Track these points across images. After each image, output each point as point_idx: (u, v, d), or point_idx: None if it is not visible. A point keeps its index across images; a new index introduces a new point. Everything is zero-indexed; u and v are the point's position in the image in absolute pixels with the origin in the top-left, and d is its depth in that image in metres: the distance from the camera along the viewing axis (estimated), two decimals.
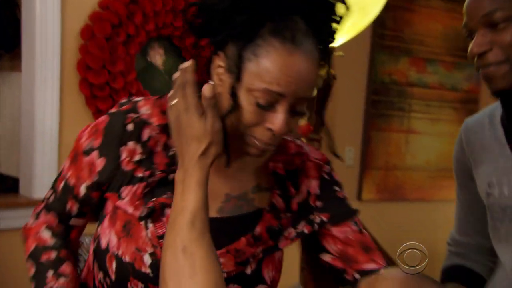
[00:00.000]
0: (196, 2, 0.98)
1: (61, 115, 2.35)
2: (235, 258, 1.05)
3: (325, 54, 0.99)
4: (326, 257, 1.12)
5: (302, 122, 1.06)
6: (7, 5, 2.63)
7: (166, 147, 1.05)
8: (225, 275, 1.03)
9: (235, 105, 0.95)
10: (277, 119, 0.95)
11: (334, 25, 0.99)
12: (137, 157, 1.04)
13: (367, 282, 0.92)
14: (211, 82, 0.98)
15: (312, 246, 1.15)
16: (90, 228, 1.19)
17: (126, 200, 1.04)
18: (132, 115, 1.04)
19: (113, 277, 1.05)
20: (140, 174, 1.04)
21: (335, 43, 1.38)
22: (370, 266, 1.09)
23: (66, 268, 1.11)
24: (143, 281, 1.02)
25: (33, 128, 2.32)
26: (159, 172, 1.04)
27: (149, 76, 2.54)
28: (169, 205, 1.00)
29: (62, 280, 1.09)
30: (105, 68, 2.33)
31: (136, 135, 1.03)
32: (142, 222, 1.02)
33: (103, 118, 1.07)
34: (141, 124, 1.04)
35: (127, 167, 1.04)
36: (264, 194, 1.11)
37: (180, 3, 2.48)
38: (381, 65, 3.44)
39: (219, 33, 0.95)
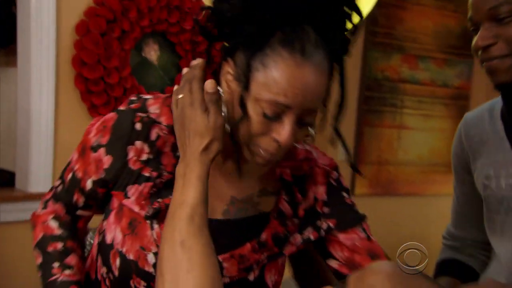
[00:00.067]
0: (208, 6, 0.96)
1: (56, 110, 2.34)
2: (238, 264, 1.03)
3: (338, 65, 0.95)
4: (333, 263, 1.09)
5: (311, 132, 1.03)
6: (3, 1, 2.62)
7: (175, 147, 1.03)
8: (227, 279, 1.02)
9: (245, 115, 0.92)
10: (284, 130, 0.92)
11: (347, 35, 0.95)
12: (144, 157, 1.02)
13: (356, 277, 0.90)
14: (220, 89, 0.96)
15: (318, 252, 1.13)
16: (94, 221, 1.18)
17: (132, 199, 1.02)
18: (141, 114, 1.02)
19: (116, 273, 1.03)
20: (147, 174, 1.02)
21: None
22: None
23: (71, 259, 1.10)
24: (146, 280, 1.01)
25: (29, 123, 2.31)
26: (167, 173, 1.02)
27: (144, 71, 2.52)
28: None
29: (67, 271, 1.09)
30: (100, 64, 2.32)
31: (144, 135, 1.01)
32: (148, 221, 1.01)
33: (112, 115, 1.04)
34: (150, 123, 1.02)
35: (134, 166, 1.02)
36: (269, 198, 1.08)
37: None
38: (373, 62, 3.43)
39: (229, 40, 0.93)
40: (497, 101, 1.34)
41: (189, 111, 0.95)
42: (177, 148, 1.01)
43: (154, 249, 1.00)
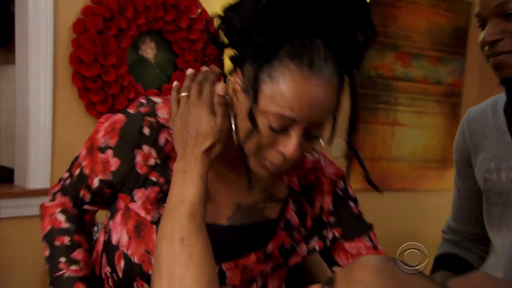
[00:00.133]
0: (218, 14, 0.93)
1: (54, 107, 2.33)
2: (242, 274, 1.01)
3: (349, 78, 0.91)
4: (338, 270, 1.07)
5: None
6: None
7: None
8: None
9: (255, 128, 0.89)
10: (290, 143, 0.89)
11: (358, 48, 0.91)
12: (151, 162, 1.00)
13: (344, 272, 0.89)
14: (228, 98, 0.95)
15: (324, 258, 1.12)
16: (100, 215, 1.16)
17: (138, 203, 1.00)
18: (150, 118, 1.00)
19: (120, 274, 1.02)
20: (154, 178, 0.99)
21: None
22: None
23: (78, 254, 1.09)
24: (149, 283, 0.98)
25: (27, 120, 2.30)
26: None
27: (141, 69, 2.51)
28: None
29: (73, 267, 1.07)
30: (97, 61, 2.31)
31: (152, 139, 0.99)
32: (155, 226, 0.99)
33: (121, 117, 1.01)
34: (158, 128, 0.99)
35: (141, 170, 1.00)
36: (275, 205, 1.06)
37: None
38: (367, 60, 3.42)
39: (238, 49, 0.90)
40: (501, 97, 1.34)
41: (196, 111, 0.94)
42: None
43: None
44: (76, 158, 1.09)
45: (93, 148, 1.03)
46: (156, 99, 1.03)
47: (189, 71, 1.00)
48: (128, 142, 1.00)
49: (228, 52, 0.94)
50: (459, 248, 1.45)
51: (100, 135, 1.02)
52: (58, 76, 2.33)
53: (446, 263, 1.43)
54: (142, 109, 1.01)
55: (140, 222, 1.00)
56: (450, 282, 1.17)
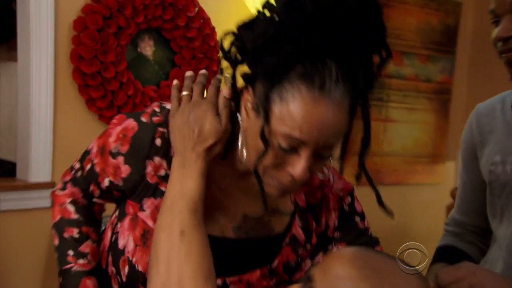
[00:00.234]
0: (232, 31, 0.91)
1: (55, 103, 2.31)
2: None
3: (362, 100, 0.87)
4: None
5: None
6: None
7: None
8: None
9: (267, 149, 0.86)
10: (298, 164, 0.86)
11: (372, 70, 0.87)
12: (162, 172, 0.98)
13: (320, 269, 0.87)
14: (239, 116, 0.93)
15: None
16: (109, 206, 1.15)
17: (147, 212, 0.98)
18: (162, 129, 0.97)
19: (124, 278, 1.00)
20: (163, 188, 0.97)
21: None
22: None
23: (86, 247, 1.07)
24: None
25: (29, 115, 2.28)
26: None
27: (140, 66, 2.49)
28: None
29: (81, 261, 1.06)
30: (97, 58, 2.29)
31: (163, 151, 0.97)
32: None
33: (133, 125, 0.99)
34: (168, 140, 0.97)
35: (151, 180, 0.98)
36: (281, 218, 1.04)
37: None
38: None
39: (251, 67, 0.88)
40: (509, 93, 1.34)
41: (200, 110, 0.93)
42: None
43: None
44: (88, 152, 1.07)
45: (104, 151, 1.01)
46: (169, 107, 1.01)
47: (189, 72, 0.98)
48: (139, 152, 0.97)
49: (241, 69, 0.91)
50: (461, 240, 1.44)
51: (112, 139, 1.00)
52: (59, 73, 2.31)
53: (446, 255, 1.42)
54: (155, 119, 0.98)
55: (147, 231, 0.98)
56: (440, 272, 1.17)
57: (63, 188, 1.11)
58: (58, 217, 1.10)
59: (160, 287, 0.84)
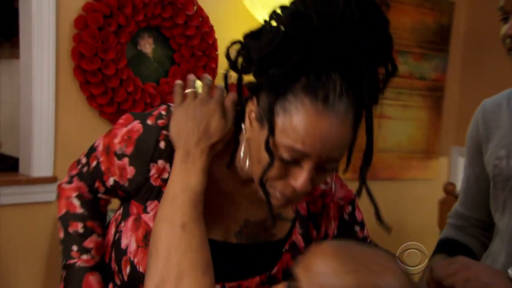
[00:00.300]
0: (239, 40, 0.89)
1: (56, 99, 2.30)
2: None
3: (366, 112, 0.85)
4: None
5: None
6: None
7: None
8: None
9: (273, 162, 0.84)
10: (300, 177, 0.84)
11: (378, 84, 0.86)
12: (165, 175, 0.97)
13: (302, 267, 0.85)
14: (243, 125, 0.92)
15: None
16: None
17: (151, 215, 0.97)
18: (166, 132, 0.96)
19: (125, 278, 0.99)
20: None
21: None
22: None
23: (90, 242, 1.06)
24: None
25: (31, 111, 2.27)
26: None
27: (139, 63, 2.48)
28: None
29: (84, 256, 1.05)
30: (98, 56, 2.28)
31: (166, 154, 0.96)
32: None
33: (138, 127, 0.98)
34: (172, 145, 0.96)
35: (155, 182, 0.97)
36: (283, 224, 1.03)
37: None
38: None
39: (256, 77, 0.86)
40: None
41: (207, 108, 0.93)
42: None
43: None
44: (94, 149, 1.06)
45: (109, 151, 1.00)
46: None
47: (192, 76, 0.98)
48: (143, 154, 0.97)
49: (247, 78, 0.90)
50: (462, 233, 1.44)
51: (117, 140, 0.99)
52: (60, 70, 2.30)
53: (447, 248, 1.42)
54: (160, 122, 0.97)
55: (149, 233, 0.97)
56: (436, 265, 1.16)
57: (70, 182, 1.10)
58: (64, 211, 1.09)
59: (159, 279, 0.83)
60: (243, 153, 0.93)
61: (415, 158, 3.64)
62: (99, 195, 1.09)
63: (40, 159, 2.30)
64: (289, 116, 0.81)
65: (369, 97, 0.83)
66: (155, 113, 0.99)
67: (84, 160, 1.09)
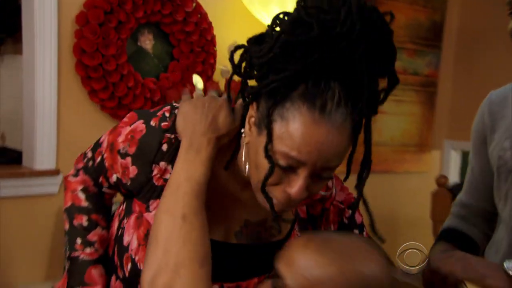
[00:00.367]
0: (242, 45, 0.87)
1: (59, 94, 2.29)
2: None
3: (365, 125, 0.84)
4: None
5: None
6: None
7: None
8: None
9: (273, 169, 0.82)
10: (295, 184, 0.83)
11: (377, 95, 0.84)
12: (167, 176, 0.95)
13: (284, 263, 0.84)
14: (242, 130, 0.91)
15: None
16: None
17: (153, 213, 0.96)
18: (169, 135, 0.95)
19: (126, 274, 0.99)
20: None
21: None
22: None
23: (94, 235, 1.05)
24: None
25: (33, 106, 2.27)
26: None
27: (140, 59, 2.46)
28: None
29: (88, 250, 1.04)
30: (99, 51, 2.27)
31: (168, 156, 0.95)
32: None
33: (141, 127, 0.96)
34: (177, 144, 0.94)
35: (157, 182, 0.96)
36: (283, 225, 1.02)
37: None
38: None
39: (258, 82, 0.84)
40: None
41: (217, 104, 0.93)
42: None
43: None
44: (99, 144, 1.05)
45: (113, 148, 0.99)
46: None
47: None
48: (145, 155, 0.95)
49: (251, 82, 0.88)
50: (465, 223, 1.43)
51: (120, 139, 0.98)
52: (62, 65, 2.29)
53: (450, 236, 1.42)
54: (163, 124, 0.96)
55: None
56: (433, 257, 1.16)
57: (76, 175, 1.10)
58: (69, 203, 1.08)
59: (156, 268, 0.82)
60: (244, 157, 0.91)
61: (409, 151, 3.64)
62: (103, 189, 1.09)
63: (43, 152, 2.29)
64: (286, 123, 0.79)
65: (368, 107, 0.81)
66: (159, 113, 0.98)
67: (89, 154, 1.08)
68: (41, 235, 2.30)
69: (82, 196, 1.08)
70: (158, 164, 0.96)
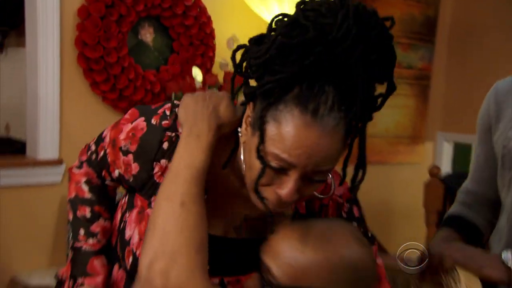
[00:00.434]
0: (244, 45, 0.85)
1: (61, 86, 2.29)
2: None
3: (360, 131, 0.81)
4: None
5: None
6: None
7: None
8: None
9: (265, 170, 0.81)
10: (286, 186, 0.81)
11: (373, 101, 0.81)
12: None
13: (269, 256, 0.84)
14: (239, 129, 0.89)
15: None
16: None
17: None
18: (170, 133, 0.94)
19: (128, 267, 0.98)
20: None
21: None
22: None
23: (96, 226, 1.04)
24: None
25: (37, 97, 2.26)
26: None
27: (140, 52, 2.46)
28: None
29: (91, 240, 1.03)
30: (100, 44, 2.26)
31: (169, 154, 0.92)
32: None
33: (142, 125, 0.95)
34: (178, 142, 0.92)
35: (159, 179, 0.94)
36: (282, 220, 0.98)
37: None
38: None
39: (257, 82, 0.82)
40: None
41: (218, 95, 0.91)
42: None
43: None
44: (102, 139, 1.04)
45: (115, 145, 0.98)
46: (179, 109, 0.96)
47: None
48: (146, 153, 0.94)
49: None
50: (470, 210, 1.42)
51: (122, 136, 0.97)
52: (65, 58, 2.28)
53: (453, 223, 1.41)
54: (164, 123, 0.94)
55: None
56: (432, 243, 1.16)
57: (79, 167, 1.09)
58: (73, 194, 1.08)
59: (154, 254, 0.81)
60: (243, 156, 0.89)
61: (403, 143, 3.64)
62: (107, 182, 1.08)
63: (46, 142, 2.29)
64: (279, 125, 0.78)
65: (362, 113, 0.78)
66: (160, 111, 0.96)
67: (93, 147, 1.07)
68: (45, 222, 2.31)
69: (85, 188, 1.07)
70: (159, 162, 0.94)
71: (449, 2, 3.52)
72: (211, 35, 2.58)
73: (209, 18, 2.57)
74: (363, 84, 0.76)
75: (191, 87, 2.39)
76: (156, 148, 0.94)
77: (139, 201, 0.99)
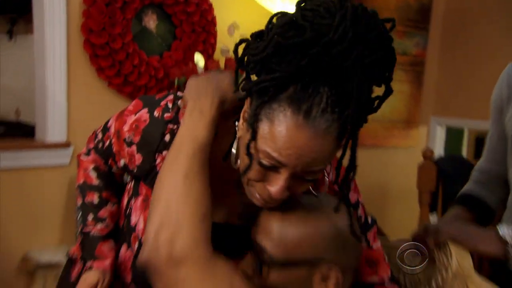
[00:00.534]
0: (246, 39, 0.83)
1: (68, 71, 2.28)
2: None
3: (353, 133, 0.78)
4: None
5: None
6: None
7: None
8: None
9: (251, 165, 0.80)
10: (277, 183, 0.79)
11: (369, 104, 0.79)
12: None
13: (262, 235, 0.84)
14: (236, 123, 0.88)
15: None
16: None
17: None
18: (172, 125, 0.93)
19: (134, 252, 0.98)
20: None
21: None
22: (373, 278, 0.98)
23: (104, 212, 1.05)
24: None
25: (45, 82, 2.25)
26: None
27: (144, 38, 2.44)
28: None
29: (99, 225, 1.04)
30: (105, 30, 2.24)
31: (170, 145, 0.90)
32: None
33: (145, 117, 0.94)
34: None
35: None
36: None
37: None
38: None
39: (257, 77, 0.80)
40: None
41: (220, 75, 0.91)
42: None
43: None
44: (107, 128, 1.03)
45: (120, 137, 0.98)
46: (181, 102, 0.95)
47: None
48: (149, 144, 0.93)
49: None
50: (483, 188, 1.41)
51: (126, 128, 0.97)
52: (71, 44, 2.26)
53: (465, 201, 1.41)
54: (166, 116, 0.94)
55: None
56: (442, 219, 1.15)
57: (87, 154, 1.09)
58: (82, 180, 1.08)
59: (159, 223, 0.81)
60: (237, 149, 0.88)
61: (397, 127, 3.63)
62: (113, 170, 1.08)
63: (54, 126, 2.28)
64: (271, 124, 0.76)
65: (355, 115, 0.75)
66: (163, 103, 0.96)
67: (100, 136, 1.07)
68: (54, 202, 2.31)
69: (93, 174, 1.07)
70: (161, 153, 0.94)
71: None
72: (212, 22, 2.56)
73: (210, 5, 2.55)
74: (359, 86, 0.74)
75: (193, 73, 2.38)
76: (158, 140, 0.93)
77: (144, 189, 0.98)
